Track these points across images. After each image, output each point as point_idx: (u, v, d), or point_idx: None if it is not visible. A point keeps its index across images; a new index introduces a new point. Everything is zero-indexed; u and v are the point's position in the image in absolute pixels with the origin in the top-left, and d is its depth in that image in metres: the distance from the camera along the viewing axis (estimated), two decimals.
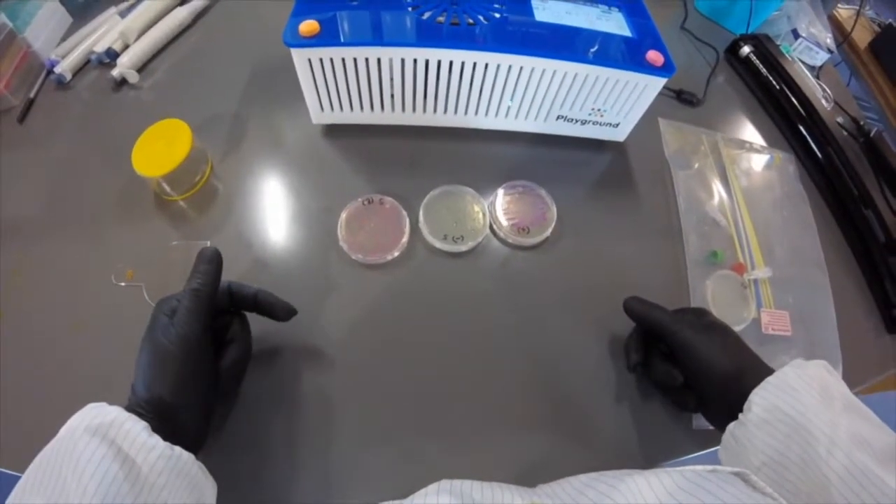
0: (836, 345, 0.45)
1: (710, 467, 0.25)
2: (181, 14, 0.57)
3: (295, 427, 0.36)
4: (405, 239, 0.43)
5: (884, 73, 0.76)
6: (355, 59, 0.41)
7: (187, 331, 0.30)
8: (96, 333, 0.39)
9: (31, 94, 0.52)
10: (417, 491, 0.30)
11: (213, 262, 0.33)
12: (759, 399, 0.31)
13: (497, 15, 0.44)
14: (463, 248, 0.44)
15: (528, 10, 0.45)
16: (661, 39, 0.45)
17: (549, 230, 0.46)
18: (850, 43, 0.78)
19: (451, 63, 0.42)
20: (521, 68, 0.43)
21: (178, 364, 0.29)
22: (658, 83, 0.45)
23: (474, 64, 0.42)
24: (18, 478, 0.25)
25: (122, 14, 0.58)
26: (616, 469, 0.29)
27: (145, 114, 0.47)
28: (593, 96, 0.46)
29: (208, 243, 0.44)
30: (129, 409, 0.28)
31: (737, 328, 0.43)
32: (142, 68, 0.55)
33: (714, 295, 0.45)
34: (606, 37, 0.44)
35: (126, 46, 0.55)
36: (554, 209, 0.47)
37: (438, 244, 0.44)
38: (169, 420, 0.28)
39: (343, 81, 0.44)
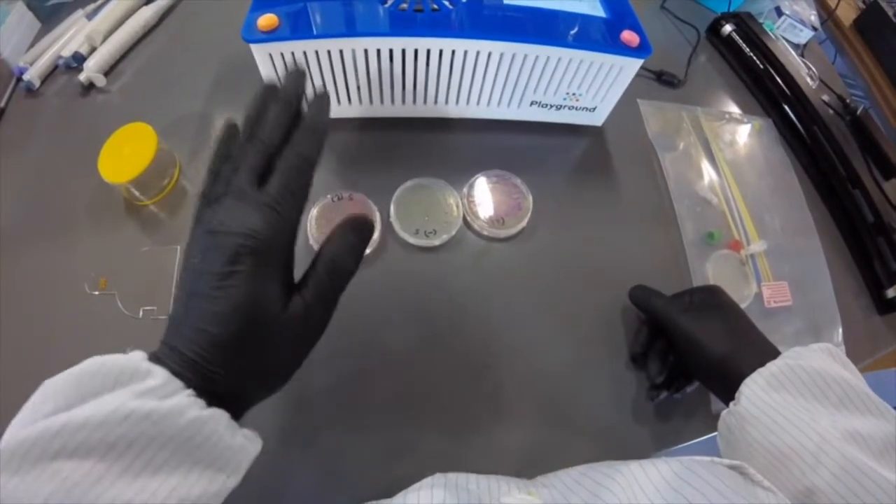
0: (833, 305, 0.46)
1: (707, 458, 0.25)
2: (146, 14, 0.56)
3: (275, 423, 0.36)
4: (376, 235, 0.42)
5: (869, 50, 0.74)
6: (317, 52, 0.40)
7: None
8: (70, 344, 0.38)
9: (1, 104, 0.51)
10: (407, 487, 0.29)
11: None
12: (748, 391, 0.30)
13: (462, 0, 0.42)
14: (436, 242, 0.43)
15: None
16: (637, 19, 0.44)
17: (526, 220, 0.45)
18: (834, 20, 0.76)
19: (415, 52, 0.41)
20: (490, 54, 0.42)
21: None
22: (634, 65, 0.43)
23: (440, 51, 0.41)
24: None
25: (90, 16, 0.57)
26: (612, 459, 0.29)
27: (114, 117, 0.46)
28: (567, 80, 0.45)
29: (178, 248, 0.43)
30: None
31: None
32: (109, 71, 0.53)
33: (715, 276, 0.45)
34: (579, 18, 0.43)
35: (93, 49, 0.54)
36: (530, 198, 0.46)
37: (411, 239, 0.43)
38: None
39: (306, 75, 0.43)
